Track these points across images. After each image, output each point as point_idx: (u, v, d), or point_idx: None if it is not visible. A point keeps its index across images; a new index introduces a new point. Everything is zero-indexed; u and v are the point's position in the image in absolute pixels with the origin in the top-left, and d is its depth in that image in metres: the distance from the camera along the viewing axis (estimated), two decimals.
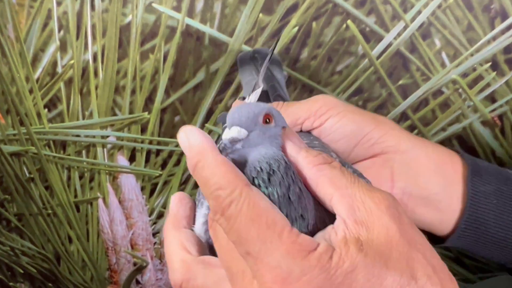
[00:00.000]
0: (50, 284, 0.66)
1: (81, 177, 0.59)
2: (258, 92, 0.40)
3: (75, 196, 0.61)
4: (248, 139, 0.26)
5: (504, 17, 0.54)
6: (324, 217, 0.25)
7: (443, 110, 0.57)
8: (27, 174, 0.59)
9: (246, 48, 0.56)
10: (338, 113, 0.35)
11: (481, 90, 0.56)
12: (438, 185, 0.33)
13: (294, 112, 0.35)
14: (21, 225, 0.60)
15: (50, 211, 0.60)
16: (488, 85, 0.55)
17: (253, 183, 0.25)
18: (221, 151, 0.25)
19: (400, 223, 0.23)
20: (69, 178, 0.59)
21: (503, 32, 0.54)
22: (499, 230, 0.35)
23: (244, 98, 0.38)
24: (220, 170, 0.23)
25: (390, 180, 0.35)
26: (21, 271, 0.65)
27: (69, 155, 0.58)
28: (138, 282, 0.66)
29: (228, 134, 0.26)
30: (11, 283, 0.66)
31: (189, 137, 0.25)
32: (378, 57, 0.54)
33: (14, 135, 0.57)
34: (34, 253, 0.64)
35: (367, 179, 0.30)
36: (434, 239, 0.39)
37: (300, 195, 0.25)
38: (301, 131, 0.35)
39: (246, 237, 0.22)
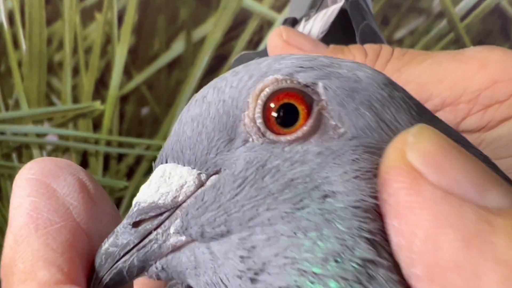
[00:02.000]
0: None
1: None
2: (330, 13, 0.22)
3: None
4: (203, 205, 0.11)
5: None
6: None
7: None
8: None
9: (251, 3, 0.41)
10: None
11: None
12: None
13: (422, 83, 0.18)
14: None
15: None
16: None
17: None
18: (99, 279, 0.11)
19: None
20: (0, 189, 0.49)
21: None
22: None
23: (294, 23, 0.23)
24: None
25: None
26: None
27: None
28: None
29: (137, 197, 0.12)
30: None
31: (15, 196, 0.12)
32: (463, 18, 0.40)
33: None
34: None
35: None
36: None
37: None
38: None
39: None
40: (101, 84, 0.43)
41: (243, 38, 0.42)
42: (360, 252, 0.10)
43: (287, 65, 0.11)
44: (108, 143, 0.46)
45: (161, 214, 0.11)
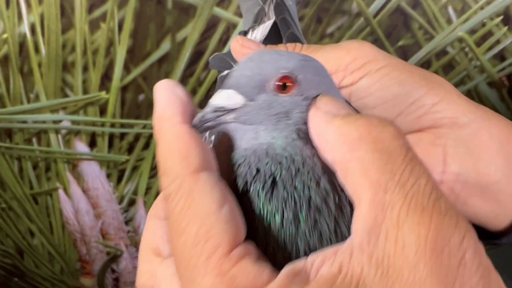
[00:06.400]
0: (15, 279, 0.63)
1: (35, 167, 0.57)
2: (267, 26, 0.32)
3: (31, 188, 0.57)
4: (245, 111, 0.20)
5: None
6: None
7: (446, 72, 0.52)
8: None
9: (220, 11, 0.50)
10: (378, 70, 0.27)
11: (490, 48, 0.51)
12: (500, 170, 0.26)
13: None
14: None
15: (4, 205, 0.58)
16: (498, 42, 0.51)
17: (244, 191, 0.19)
18: (198, 125, 0.19)
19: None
20: (21, 169, 0.56)
21: None
22: None
23: (245, 33, 0.32)
24: (169, 148, 0.18)
25: (441, 162, 0.27)
26: None
27: (17, 144, 0.55)
28: (114, 271, 0.63)
29: (213, 99, 0.19)
30: None
31: (156, 95, 0.20)
32: (375, 16, 0.50)
33: None
34: None
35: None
36: (484, 234, 0.31)
37: (319, 218, 0.18)
38: None
39: (175, 246, 0.17)
40: (106, 78, 0.51)
41: (215, 37, 0.50)
42: (292, 142, 0.19)
43: (287, 64, 0.20)
44: (112, 125, 0.54)
45: (225, 111, 0.19)
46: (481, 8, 0.49)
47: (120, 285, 0.66)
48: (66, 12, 0.49)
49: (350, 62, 0.27)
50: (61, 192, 0.58)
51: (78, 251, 0.62)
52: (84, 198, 0.59)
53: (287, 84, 0.19)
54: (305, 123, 0.19)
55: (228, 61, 0.32)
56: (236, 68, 0.20)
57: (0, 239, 0.60)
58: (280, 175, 0.19)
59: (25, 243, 0.60)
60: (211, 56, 0.33)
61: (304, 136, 0.19)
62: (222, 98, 0.19)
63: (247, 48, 0.29)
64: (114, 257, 0.63)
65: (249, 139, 0.19)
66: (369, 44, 0.28)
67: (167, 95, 0.19)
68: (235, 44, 0.29)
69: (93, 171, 0.57)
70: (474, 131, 0.26)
